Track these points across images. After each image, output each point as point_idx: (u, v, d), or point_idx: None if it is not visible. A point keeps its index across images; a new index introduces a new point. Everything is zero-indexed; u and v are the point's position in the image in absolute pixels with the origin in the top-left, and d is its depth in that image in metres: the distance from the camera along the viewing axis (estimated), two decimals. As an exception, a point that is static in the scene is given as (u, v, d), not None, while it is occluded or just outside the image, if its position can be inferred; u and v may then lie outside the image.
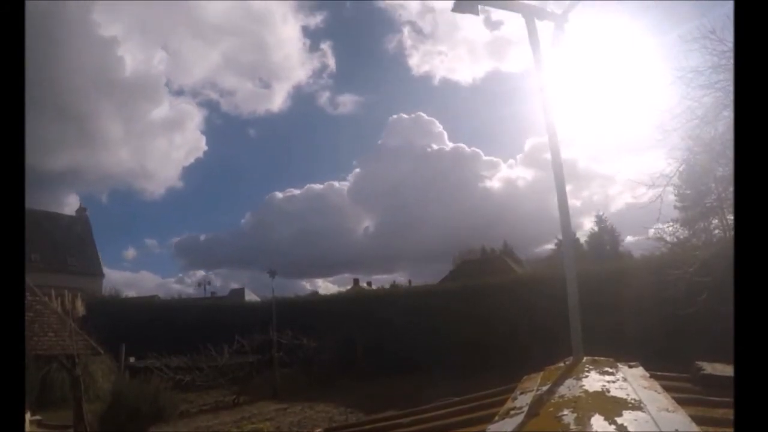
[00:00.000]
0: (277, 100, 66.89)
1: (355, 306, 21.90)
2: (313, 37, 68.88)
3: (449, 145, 65.77)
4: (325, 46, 64.21)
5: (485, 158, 67.41)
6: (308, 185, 72.77)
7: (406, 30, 67.87)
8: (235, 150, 65.99)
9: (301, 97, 64.53)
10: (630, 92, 12.16)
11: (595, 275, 15.29)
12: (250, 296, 38.31)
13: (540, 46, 2.75)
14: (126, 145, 58.39)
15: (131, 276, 62.47)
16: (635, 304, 13.86)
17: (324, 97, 65.26)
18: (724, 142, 9.85)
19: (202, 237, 72.94)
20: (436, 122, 65.20)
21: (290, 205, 65.34)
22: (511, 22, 56.41)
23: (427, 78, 67.81)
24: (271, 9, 57.98)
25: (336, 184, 67.70)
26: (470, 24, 62.12)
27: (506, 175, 65.83)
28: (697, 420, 1.57)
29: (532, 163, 59.96)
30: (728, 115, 9.40)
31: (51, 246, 35.97)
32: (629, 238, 38.18)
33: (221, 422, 13.45)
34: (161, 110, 57.88)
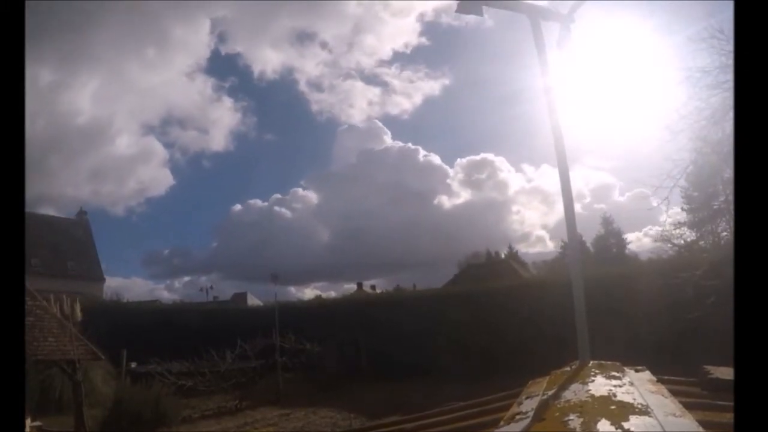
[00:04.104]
0: (219, 141, 75.01)
1: (359, 310, 21.78)
2: (228, 93, 77.47)
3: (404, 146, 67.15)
4: (240, 100, 75.50)
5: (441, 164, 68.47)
6: (274, 195, 79.23)
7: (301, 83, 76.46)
8: (196, 179, 72.70)
9: (236, 136, 72.32)
10: (637, 93, 12.03)
11: (601, 279, 15.20)
12: (253, 301, 38.27)
13: (545, 47, 2.74)
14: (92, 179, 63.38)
15: (123, 281, 64.32)
16: (642, 307, 13.78)
17: (253, 135, 72.85)
18: (732, 143, 9.79)
19: (169, 249, 77.80)
20: (387, 130, 66.22)
21: (256, 217, 68.36)
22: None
23: (332, 122, 73.91)
24: (174, 72, 63.65)
25: (300, 191, 71.53)
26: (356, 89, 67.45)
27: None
28: (705, 425, 1.56)
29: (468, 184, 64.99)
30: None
31: (51, 250, 35.87)
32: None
33: (223, 428, 13.43)
34: (120, 149, 61.98)
